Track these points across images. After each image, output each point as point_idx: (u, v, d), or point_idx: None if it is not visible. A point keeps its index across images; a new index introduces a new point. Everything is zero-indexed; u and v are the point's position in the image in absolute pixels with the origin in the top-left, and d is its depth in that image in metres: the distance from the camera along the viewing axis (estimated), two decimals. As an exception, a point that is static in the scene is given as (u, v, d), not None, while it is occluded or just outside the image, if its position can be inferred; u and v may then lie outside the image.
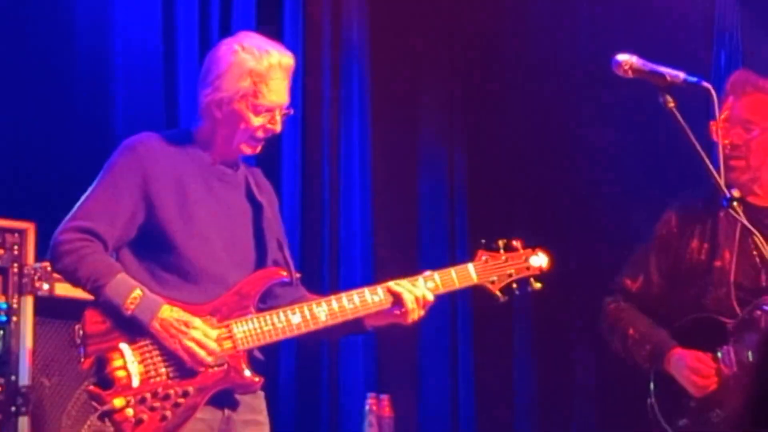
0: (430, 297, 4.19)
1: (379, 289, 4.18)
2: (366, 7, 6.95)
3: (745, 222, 4.15)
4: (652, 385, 4.73)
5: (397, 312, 4.18)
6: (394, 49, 7.03)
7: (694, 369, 4.59)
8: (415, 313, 4.18)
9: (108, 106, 6.16)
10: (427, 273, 4.26)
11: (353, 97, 6.89)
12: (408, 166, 7.12)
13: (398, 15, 7.08)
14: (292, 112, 4.21)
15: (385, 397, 6.01)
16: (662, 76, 4.16)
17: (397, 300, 4.16)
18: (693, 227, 4.75)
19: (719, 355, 4.58)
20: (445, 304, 6.87)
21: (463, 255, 6.96)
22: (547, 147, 7.20)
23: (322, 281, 6.60)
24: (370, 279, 6.56)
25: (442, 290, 4.26)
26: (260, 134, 4.16)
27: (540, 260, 4.39)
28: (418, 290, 4.17)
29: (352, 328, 4.24)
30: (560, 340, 7.06)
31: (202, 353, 3.96)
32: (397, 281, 4.19)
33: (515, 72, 7.24)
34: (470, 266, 4.31)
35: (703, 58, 6.95)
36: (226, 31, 6.34)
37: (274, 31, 6.36)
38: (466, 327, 7.00)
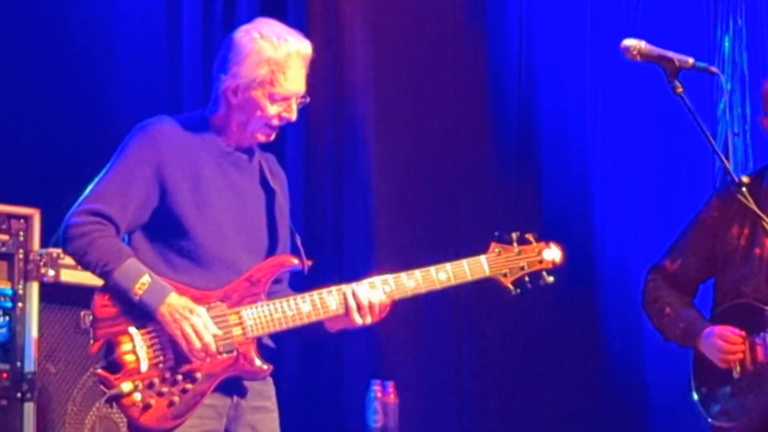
0: (383, 301, 4.15)
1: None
2: (369, 3, 6.94)
3: (755, 208, 4.14)
4: (692, 371, 4.75)
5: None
6: (397, 43, 7.02)
7: (722, 336, 4.61)
8: (367, 319, 4.15)
9: (113, 92, 6.16)
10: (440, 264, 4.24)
11: (356, 89, 6.88)
12: (412, 158, 7.10)
13: (401, 10, 7.06)
14: (308, 100, 4.19)
15: (390, 383, 6.01)
16: (671, 60, 4.14)
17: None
18: (734, 213, 4.75)
19: (756, 340, 4.59)
20: (449, 289, 6.86)
21: (468, 246, 6.97)
22: (549, 141, 7.19)
23: (324, 272, 6.58)
24: (374, 270, 6.57)
25: (454, 282, 4.24)
26: (275, 122, 4.14)
27: (553, 253, 4.36)
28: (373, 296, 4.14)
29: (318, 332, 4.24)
30: (565, 325, 7.06)
31: (196, 343, 3.95)
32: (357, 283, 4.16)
33: (517, 63, 7.22)
34: (483, 258, 4.29)
35: (707, 44, 6.96)
36: (230, 19, 6.36)
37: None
38: (470, 312, 6.99)
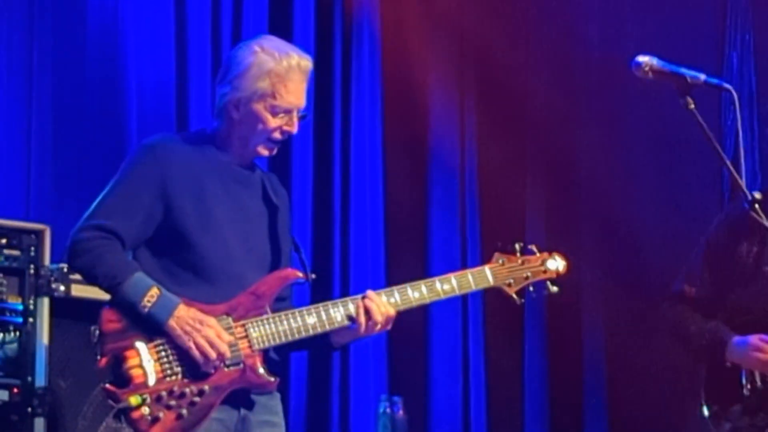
0: (389, 312, 4.16)
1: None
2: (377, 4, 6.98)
3: (767, 224, 4.14)
4: (702, 389, 4.75)
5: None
6: (405, 46, 7.04)
7: (758, 347, 4.59)
8: (373, 331, 4.18)
9: (121, 110, 6.19)
10: (444, 275, 4.26)
11: (364, 96, 6.91)
12: (419, 169, 7.13)
13: (409, 11, 7.09)
14: (307, 116, 4.22)
15: (399, 399, 6.03)
16: (683, 77, 4.13)
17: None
18: (743, 232, 4.74)
19: None
20: (457, 305, 6.90)
21: (474, 257, 7.00)
22: (559, 148, 7.22)
23: (332, 286, 6.61)
24: (382, 283, 6.60)
25: (458, 292, 4.26)
26: (277, 135, 4.16)
27: (557, 264, 4.39)
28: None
29: (329, 346, 4.25)
30: (571, 343, 7.07)
31: (212, 353, 3.97)
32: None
33: (526, 75, 7.25)
34: (487, 269, 4.31)
35: (715, 60, 6.97)
36: (238, 28, 6.39)
37: (286, 29, 6.42)
38: (478, 328, 7.01)
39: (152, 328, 3.97)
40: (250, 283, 4.09)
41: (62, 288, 5.20)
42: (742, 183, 4.13)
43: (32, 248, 5.19)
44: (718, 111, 6.83)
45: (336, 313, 4.13)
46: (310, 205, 6.61)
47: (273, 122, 4.13)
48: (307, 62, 4.17)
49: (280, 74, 4.11)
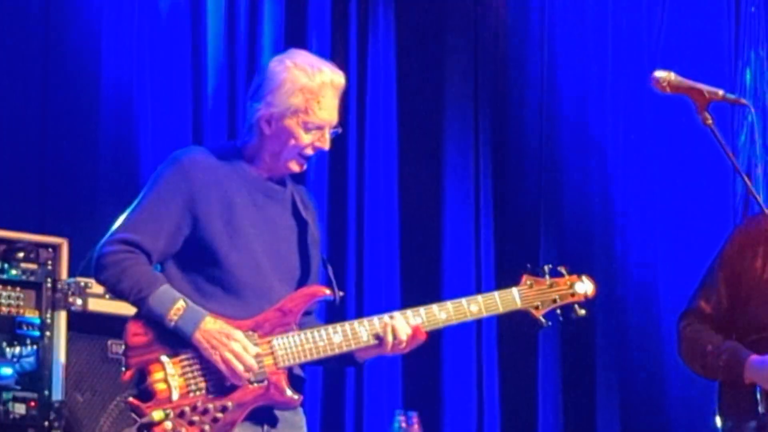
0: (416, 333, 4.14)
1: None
2: (392, 9, 6.98)
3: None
4: (717, 405, 4.73)
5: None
6: (421, 49, 7.05)
7: None
8: (399, 350, 4.17)
9: (137, 123, 6.19)
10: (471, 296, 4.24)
11: (379, 100, 6.91)
12: (433, 184, 7.12)
13: (425, 13, 7.09)
14: (340, 130, 4.21)
15: (414, 414, 6.01)
16: (701, 92, 4.14)
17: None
18: (757, 246, 4.72)
19: None
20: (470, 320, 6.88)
21: (488, 277, 7.00)
22: (572, 164, 7.22)
23: (347, 303, 6.60)
24: (396, 302, 6.60)
25: (485, 313, 4.24)
26: (309, 151, 4.15)
27: (585, 287, 4.34)
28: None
29: (348, 361, 4.24)
30: (585, 360, 7.07)
31: (239, 367, 3.96)
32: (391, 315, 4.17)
33: (540, 89, 7.26)
34: (515, 291, 4.27)
35: (728, 75, 6.99)
36: (254, 34, 6.40)
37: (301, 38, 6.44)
38: (491, 344, 7.01)
39: (178, 341, 3.96)
40: (278, 299, 4.08)
41: (79, 302, 5.20)
42: (759, 197, 4.13)
43: (49, 262, 5.19)
44: (731, 126, 6.84)
45: (362, 331, 4.12)
46: (324, 220, 6.59)
47: (305, 138, 4.12)
48: (339, 78, 4.16)
49: (314, 90, 4.09)
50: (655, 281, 7.14)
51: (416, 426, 6.03)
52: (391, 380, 6.71)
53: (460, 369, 6.96)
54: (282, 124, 4.11)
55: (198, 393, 3.96)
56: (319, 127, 4.13)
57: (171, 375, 3.95)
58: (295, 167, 4.18)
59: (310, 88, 4.10)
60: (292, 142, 4.12)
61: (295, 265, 4.18)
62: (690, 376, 4.98)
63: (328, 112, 4.12)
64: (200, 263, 4.05)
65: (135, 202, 4.08)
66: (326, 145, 4.17)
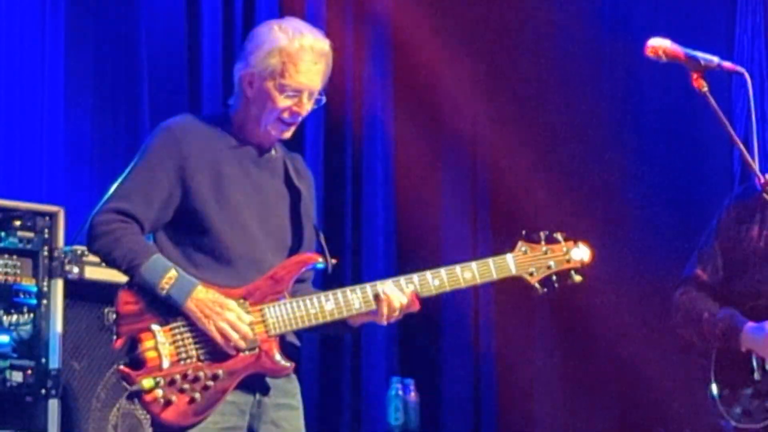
0: (409, 300, 4.13)
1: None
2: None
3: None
4: (712, 373, 4.74)
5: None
6: (418, 32, 7.04)
7: None
8: (392, 318, 4.16)
9: (135, 93, 6.21)
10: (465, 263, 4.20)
11: (376, 83, 6.92)
12: (431, 157, 7.13)
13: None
14: (323, 100, 4.18)
15: (411, 381, 6.04)
16: (697, 60, 4.13)
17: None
18: (753, 215, 4.73)
19: None
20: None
21: (486, 245, 7.02)
22: (571, 138, 7.23)
23: (344, 271, 6.62)
24: (393, 269, 6.62)
25: (479, 280, 4.20)
26: (286, 116, 4.12)
27: (581, 253, 4.27)
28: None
29: (342, 328, 4.23)
30: (582, 323, 7.08)
31: (234, 336, 3.97)
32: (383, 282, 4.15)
33: (538, 63, 7.26)
34: (509, 256, 4.22)
35: (725, 43, 6.97)
36: (251, 12, 6.41)
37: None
38: (488, 310, 7.03)
39: (169, 310, 3.98)
40: (269, 267, 4.08)
41: (76, 270, 5.22)
42: (755, 165, 4.12)
43: (46, 230, 5.20)
44: (728, 94, 6.83)
45: (354, 299, 4.11)
46: (321, 190, 6.60)
47: (281, 102, 4.09)
48: (321, 44, 4.12)
49: (291, 53, 4.06)
50: (655, 249, 7.14)
51: (413, 393, 6.07)
52: (388, 348, 6.73)
53: (457, 336, 6.98)
54: (261, 86, 4.09)
55: (189, 361, 3.98)
56: (297, 91, 4.09)
57: (161, 343, 3.96)
58: (274, 133, 4.15)
59: (288, 51, 4.06)
60: (270, 105, 4.09)
61: (286, 233, 4.18)
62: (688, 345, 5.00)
63: (305, 76, 4.08)
64: (191, 232, 4.06)
65: (126, 171, 4.08)
66: (303, 111, 4.12)
